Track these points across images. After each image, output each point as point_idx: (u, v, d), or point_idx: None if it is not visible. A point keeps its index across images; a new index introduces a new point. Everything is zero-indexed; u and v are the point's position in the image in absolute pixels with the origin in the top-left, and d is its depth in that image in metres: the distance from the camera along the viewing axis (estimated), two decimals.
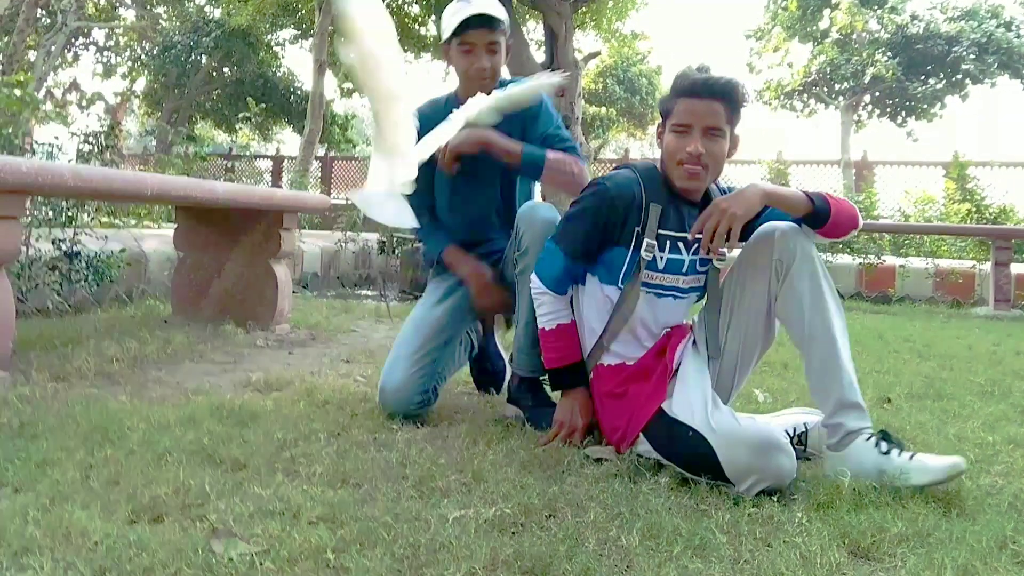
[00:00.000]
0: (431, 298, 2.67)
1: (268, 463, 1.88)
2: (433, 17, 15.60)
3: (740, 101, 2.08)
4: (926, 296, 7.90)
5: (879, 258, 8.39)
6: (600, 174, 2.55)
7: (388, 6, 15.96)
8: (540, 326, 2.23)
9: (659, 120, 2.16)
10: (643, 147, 26.18)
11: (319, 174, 19.28)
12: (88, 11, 18.41)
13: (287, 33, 20.80)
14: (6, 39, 14.26)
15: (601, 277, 2.19)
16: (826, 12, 21.59)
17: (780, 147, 16.62)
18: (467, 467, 1.89)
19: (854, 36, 20.76)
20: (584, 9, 12.01)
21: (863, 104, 21.65)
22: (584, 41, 16.24)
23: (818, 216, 2.03)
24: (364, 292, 7.05)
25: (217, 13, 20.03)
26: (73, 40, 19.48)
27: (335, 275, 7.41)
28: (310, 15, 17.28)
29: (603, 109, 23.47)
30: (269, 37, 20.52)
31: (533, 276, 2.23)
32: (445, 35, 2.57)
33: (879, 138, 21.63)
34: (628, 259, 2.13)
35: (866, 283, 8.45)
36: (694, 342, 2.14)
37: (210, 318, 4.07)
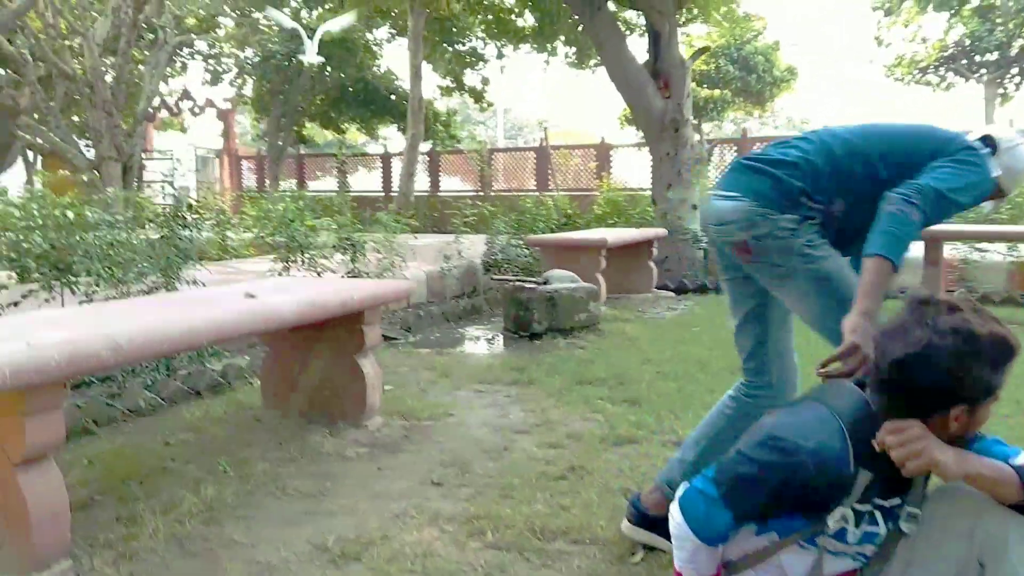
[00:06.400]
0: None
1: None
2: (529, 5, 15.19)
3: None
4: None
5: None
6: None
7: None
8: (678, 566, 1.85)
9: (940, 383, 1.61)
10: (760, 126, 25.00)
11: (427, 166, 19.56)
12: (187, 24, 18.82)
13: (383, 33, 20.83)
14: (112, 60, 14.68)
15: (758, 530, 1.80)
16: None
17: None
18: None
19: (998, 3, 18.46)
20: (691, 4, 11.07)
21: (1010, 76, 19.49)
22: (691, 27, 15.36)
23: None
24: (471, 330, 6.75)
25: (314, 15, 20.15)
26: (179, 51, 19.95)
27: (440, 311, 7.15)
28: (403, 16, 17.14)
29: (716, 91, 22.45)
30: (368, 37, 20.52)
31: (678, 513, 1.81)
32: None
33: None
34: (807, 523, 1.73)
35: (1020, 283, 7.49)
36: None
37: (300, 413, 3.88)
